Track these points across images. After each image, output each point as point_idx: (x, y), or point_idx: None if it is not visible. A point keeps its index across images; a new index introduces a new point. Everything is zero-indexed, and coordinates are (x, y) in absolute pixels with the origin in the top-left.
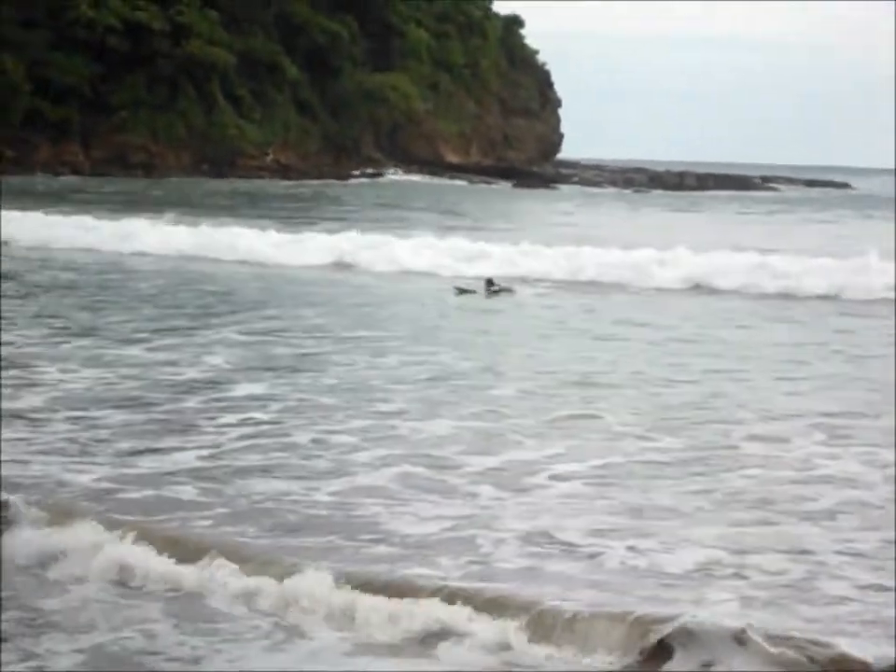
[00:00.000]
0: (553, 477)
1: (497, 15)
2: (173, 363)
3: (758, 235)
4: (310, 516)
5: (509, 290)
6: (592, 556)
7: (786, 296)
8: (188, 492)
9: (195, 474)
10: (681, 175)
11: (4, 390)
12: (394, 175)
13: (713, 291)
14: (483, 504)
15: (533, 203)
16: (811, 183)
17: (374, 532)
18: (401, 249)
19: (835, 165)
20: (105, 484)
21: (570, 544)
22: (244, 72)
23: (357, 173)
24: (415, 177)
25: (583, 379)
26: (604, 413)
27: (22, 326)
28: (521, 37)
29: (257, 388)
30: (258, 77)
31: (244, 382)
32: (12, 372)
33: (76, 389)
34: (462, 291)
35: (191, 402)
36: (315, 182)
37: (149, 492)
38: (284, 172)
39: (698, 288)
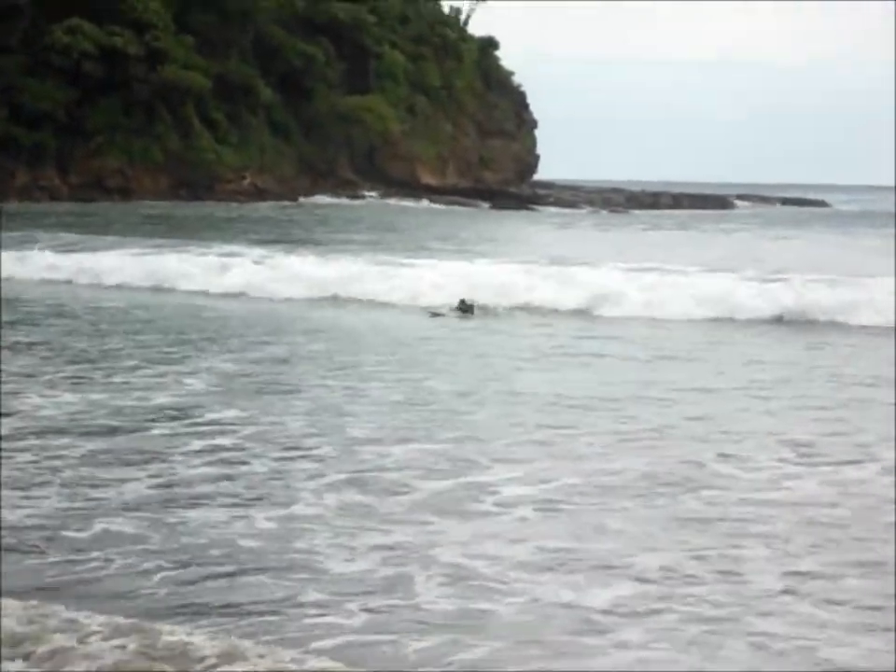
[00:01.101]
0: (503, 503)
1: (472, 37)
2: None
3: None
4: (242, 550)
5: (481, 308)
6: (518, 593)
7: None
8: (122, 526)
9: (138, 506)
10: (657, 194)
11: None
12: (371, 198)
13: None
14: (428, 531)
15: (516, 225)
16: (787, 201)
17: (303, 570)
18: (374, 276)
19: (817, 183)
20: (32, 521)
21: (500, 580)
22: (219, 95)
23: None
24: (391, 200)
25: (556, 401)
26: (570, 434)
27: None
28: (496, 59)
29: (228, 414)
30: (233, 101)
31: (217, 408)
32: None
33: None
34: (435, 314)
35: (159, 430)
36: (289, 203)
37: (84, 527)
38: (260, 195)
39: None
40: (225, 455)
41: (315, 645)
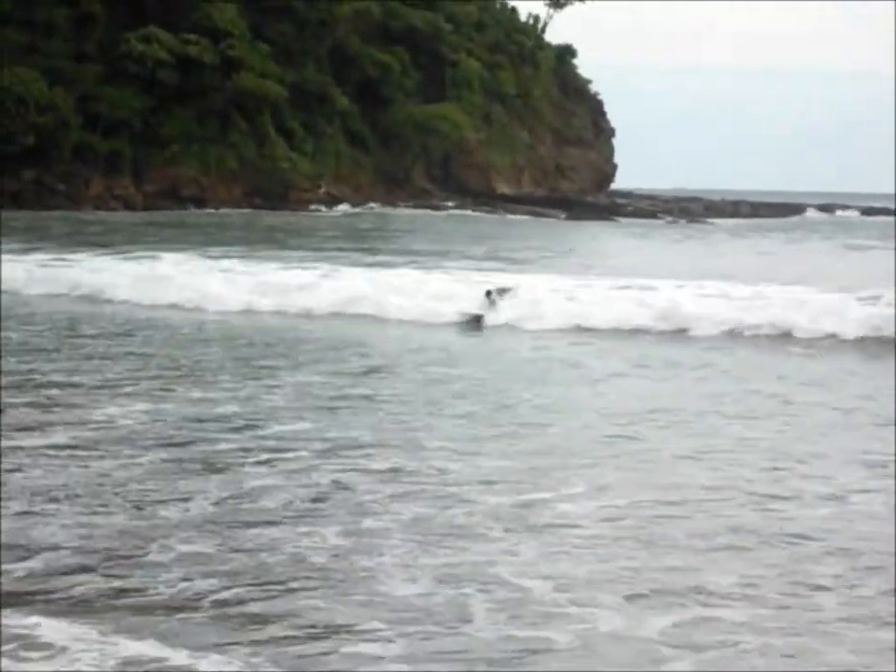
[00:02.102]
0: (569, 520)
1: (549, 45)
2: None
3: None
4: (297, 571)
5: (508, 290)
6: (571, 620)
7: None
8: (177, 546)
9: (197, 523)
10: (736, 203)
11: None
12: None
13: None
14: (489, 550)
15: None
16: (867, 211)
17: (354, 591)
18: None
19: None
20: (80, 542)
21: (556, 604)
22: (294, 104)
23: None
24: (467, 211)
25: (628, 417)
26: (641, 449)
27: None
28: (573, 67)
29: (299, 427)
30: (308, 109)
31: (288, 420)
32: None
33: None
34: (472, 318)
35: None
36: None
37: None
38: (336, 204)
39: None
40: (289, 465)
41: None
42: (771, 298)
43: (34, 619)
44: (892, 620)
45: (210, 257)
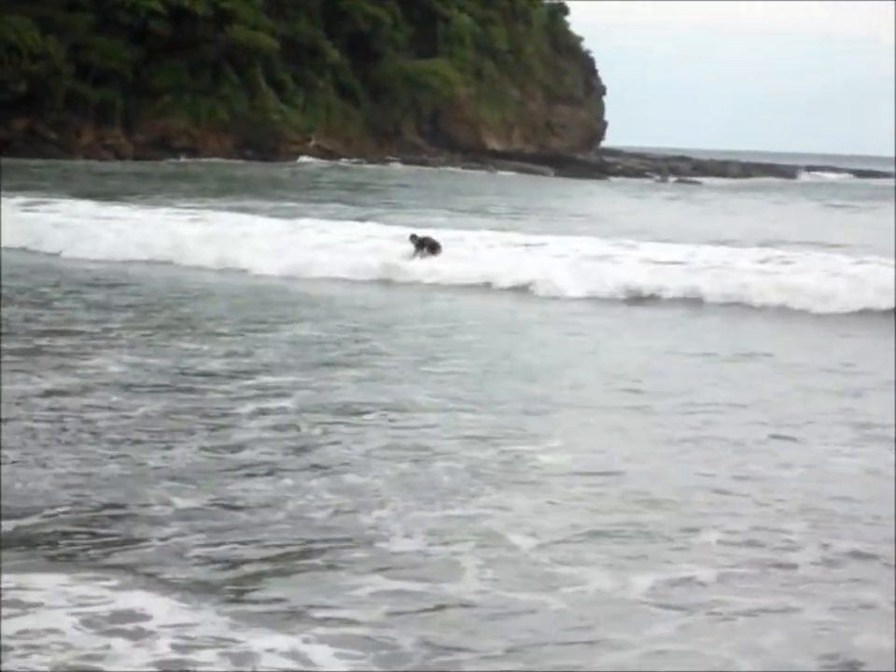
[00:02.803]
0: (552, 473)
1: (541, 2)
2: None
3: None
4: (284, 525)
5: (435, 246)
6: (552, 581)
7: None
8: (165, 498)
9: (183, 472)
10: (725, 163)
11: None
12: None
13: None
14: (475, 505)
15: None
16: (860, 173)
17: (347, 546)
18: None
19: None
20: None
21: (537, 563)
22: (286, 56)
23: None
24: (455, 168)
25: (611, 375)
26: (629, 408)
27: None
28: (566, 24)
29: (287, 380)
30: (300, 62)
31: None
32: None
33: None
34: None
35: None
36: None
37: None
38: (326, 157)
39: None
40: (280, 417)
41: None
42: (756, 260)
43: (23, 573)
44: (868, 578)
45: (175, 209)
